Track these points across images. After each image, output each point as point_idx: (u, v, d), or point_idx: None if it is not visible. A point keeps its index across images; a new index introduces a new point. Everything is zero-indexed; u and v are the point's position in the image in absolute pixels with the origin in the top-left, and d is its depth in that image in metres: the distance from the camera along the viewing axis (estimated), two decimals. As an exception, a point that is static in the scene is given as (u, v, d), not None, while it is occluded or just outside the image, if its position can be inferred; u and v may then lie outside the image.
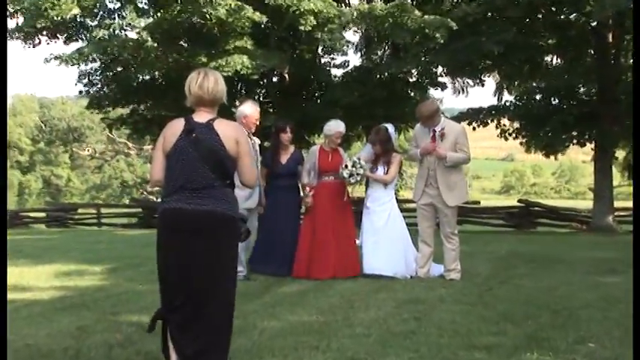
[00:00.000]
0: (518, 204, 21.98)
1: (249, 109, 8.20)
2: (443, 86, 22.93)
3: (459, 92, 24.59)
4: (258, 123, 8.32)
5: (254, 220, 8.16)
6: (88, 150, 62.51)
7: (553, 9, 19.78)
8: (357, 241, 8.50)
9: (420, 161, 8.31)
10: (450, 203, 8.11)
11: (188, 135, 4.11)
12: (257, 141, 8.42)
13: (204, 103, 4.19)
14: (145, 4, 20.71)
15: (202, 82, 4.17)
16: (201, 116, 4.19)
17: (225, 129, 4.14)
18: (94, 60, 20.88)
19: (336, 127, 8.64)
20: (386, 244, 8.29)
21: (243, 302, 6.58)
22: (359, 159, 8.39)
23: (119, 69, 21.56)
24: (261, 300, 6.86)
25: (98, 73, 22.11)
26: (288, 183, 8.67)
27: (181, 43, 20.44)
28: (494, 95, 24.78)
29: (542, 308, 6.31)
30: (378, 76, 21.38)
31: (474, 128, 21.73)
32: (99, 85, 22.46)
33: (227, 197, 4.11)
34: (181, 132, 4.13)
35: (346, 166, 8.31)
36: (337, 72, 23.01)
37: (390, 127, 8.74)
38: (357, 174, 8.27)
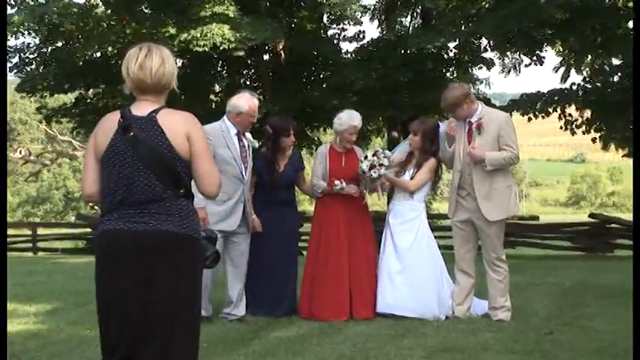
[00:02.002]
0: (591, 219, 21.93)
1: (246, 105, 8.11)
2: (489, 64, 22.91)
3: (509, 71, 24.59)
4: (255, 120, 8.31)
5: (242, 246, 8.20)
6: (21, 151, 62.64)
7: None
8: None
9: (452, 164, 8.33)
10: (491, 217, 8.07)
11: (124, 133, 4.05)
12: (254, 142, 8.37)
13: (147, 89, 4.14)
14: (95, -43, 20.86)
15: (144, 62, 4.10)
16: (141, 107, 4.14)
17: (171, 122, 4.08)
18: (27, 32, 20.97)
19: (348, 119, 8.60)
20: (412, 273, 8.29)
21: (224, 352, 6.59)
22: (383, 149, 8.44)
23: (60, 43, 21.65)
24: (248, 348, 6.85)
25: (33, 49, 22.21)
26: (286, 195, 8.70)
27: (142, 8, 20.52)
28: (555, 71, 24.76)
29: (619, 358, 6.30)
30: (402, 51, 21.41)
31: (529, 119, 21.74)
32: (34, 65, 22.57)
33: (181, 211, 4.08)
34: (116, 130, 4.09)
35: (366, 157, 8.34)
36: (349, 47, 23.29)
37: (442, 127, 8.73)
38: (381, 164, 8.26)
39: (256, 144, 8.48)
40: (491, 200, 8.05)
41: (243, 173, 8.04)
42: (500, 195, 8.09)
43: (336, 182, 8.38)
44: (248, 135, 8.28)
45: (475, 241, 8.38)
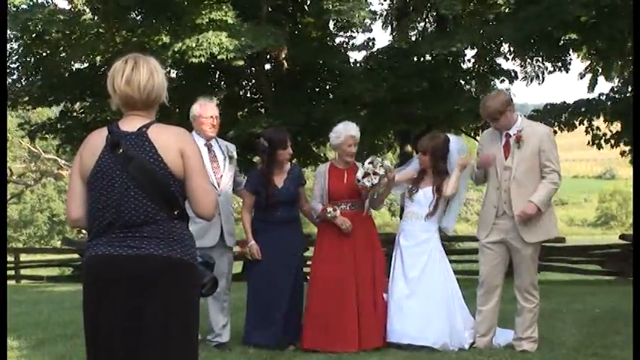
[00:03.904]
0: (622, 241, 21.86)
1: (197, 107, 8.41)
2: (511, 76, 22.78)
3: (532, 80, 24.55)
4: (216, 122, 8.42)
5: (223, 263, 8.26)
6: (2, 170, 62.67)
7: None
8: (385, 295, 8.51)
9: (485, 178, 8.29)
10: (528, 239, 8.03)
11: (113, 150, 4.05)
12: (233, 152, 8.55)
13: (136, 105, 4.15)
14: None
15: (131, 76, 4.10)
16: (130, 122, 4.15)
17: (163, 137, 4.09)
18: (9, 40, 21.05)
19: (344, 130, 8.66)
20: (421, 299, 8.32)
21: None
22: (382, 159, 8.54)
23: (45, 53, 21.72)
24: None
25: (15, 59, 22.27)
26: (287, 214, 8.66)
27: (133, 15, 20.59)
28: (580, 78, 24.67)
29: (655, 392, 6.29)
30: (415, 59, 21.43)
31: (554, 132, 21.72)
32: (15, 76, 22.63)
33: (176, 235, 4.08)
34: (103, 147, 4.09)
35: (362, 164, 8.42)
36: (357, 56, 23.25)
37: (455, 141, 8.75)
38: (375, 173, 8.30)
39: (234, 154, 8.62)
40: (529, 220, 7.97)
41: (215, 184, 8.13)
42: (539, 215, 8.02)
43: (329, 209, 8.42)
44: (224, 144, 8.56)
45: (505, 265, 8.29)
